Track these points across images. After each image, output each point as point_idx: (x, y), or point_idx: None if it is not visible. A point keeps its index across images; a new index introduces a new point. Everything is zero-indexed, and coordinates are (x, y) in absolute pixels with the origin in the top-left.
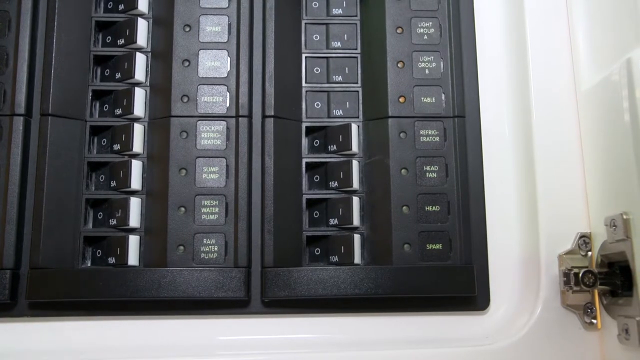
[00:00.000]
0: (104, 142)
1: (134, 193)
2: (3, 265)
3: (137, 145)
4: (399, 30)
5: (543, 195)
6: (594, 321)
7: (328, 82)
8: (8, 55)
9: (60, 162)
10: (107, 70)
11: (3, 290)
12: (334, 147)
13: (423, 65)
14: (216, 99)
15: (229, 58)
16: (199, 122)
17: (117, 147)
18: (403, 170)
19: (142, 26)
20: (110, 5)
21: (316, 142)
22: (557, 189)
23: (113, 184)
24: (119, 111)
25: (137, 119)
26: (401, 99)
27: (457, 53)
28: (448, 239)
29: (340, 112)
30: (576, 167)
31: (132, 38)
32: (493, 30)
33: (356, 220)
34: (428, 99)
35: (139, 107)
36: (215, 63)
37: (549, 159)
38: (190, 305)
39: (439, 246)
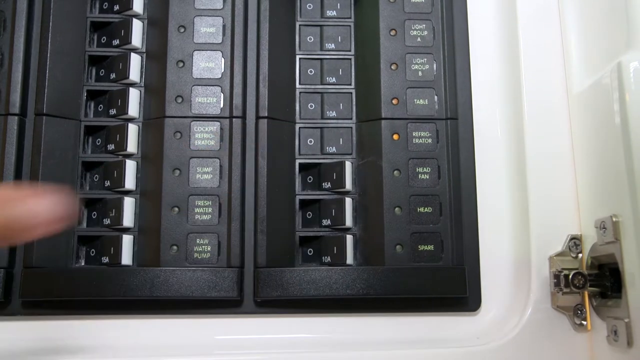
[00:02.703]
0: (98, 142)
1: (127, 193)
2: None
3: (132, 146)
4: (393, 33)
5: (534, 197)
6: (584, 322)
7: (322, 84)
8: (3, 55)
9: (54, 161)
10: (102, 70)
11: None
12: (333, 149)
13: (416, 67)
14: (210, 100)
15: (223, 59)
16: (193, 122)
17: (111, 147)
18: (395, 172)
19: (137, 27)
20: (105, 5)
21: (310, 141)
22: (549, 191)
23: (107, 183)
24: (113, 111)
25: (131, 119)
26: (394, 101)
27: (450, 55)
28: (440, 240)
29: (333, 114)
30: (567, 169)
31: (127, 39)
32: (486, 33)
33: (349, 221)
34: (421, 100)
35: (134, 107)
36: (209, 64)
37: (541, 161)
38: (183, 305)
39: (430, 247)
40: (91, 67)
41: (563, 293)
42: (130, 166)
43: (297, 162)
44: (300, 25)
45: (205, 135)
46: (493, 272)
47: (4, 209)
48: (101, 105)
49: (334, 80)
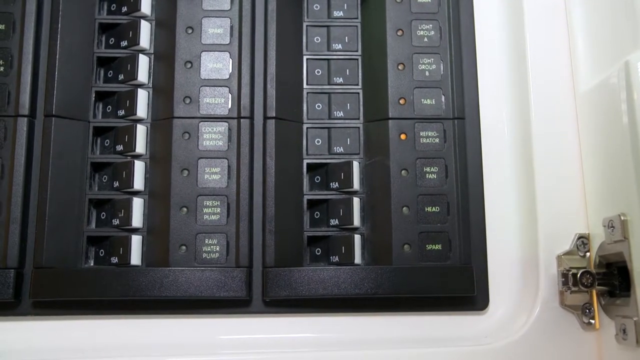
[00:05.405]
0: (107, 143)
1: (136, 193)
2: (7, 264)
3: (140, 146)
4: (400, 33)
5: (542, 196)
6: (592, 321)
7: (329, 84)
8: (12, 56)
9: (63, 162)
10: (110, 71)
11: (7, 290)
12: (341, 149)
13: (423, 67)
14: (218, 101)
15: (230, 60)
16: (201, 123)
17: (120, 147)
18: (403, 172)
19: (145, 28)
20: (113, 7)
21: (318, 141)
22: (556, 190)
23: (116, 184)
24: (122, 112)
25: (139, 120)
26: (401, 101)
27: (457, 55)
28: (447, 239)
29: (341, 114)
30: (575, 168)
31: (135, 40)
32: (493, 33)
33: (356, 221)
34: (428, 100)
35: (142, 108)
36: (217, 65)
37: (548, 160)
38: (192, 305)
39: (438, 246)
40: (99, 68)
41: (571, 292)
42: (139, 167)
43: (305, 162)
44: (307, 25)
45: (213, 136)
46: (501, 271)
47: None
48: (110, 106)
49: (341, 80)
